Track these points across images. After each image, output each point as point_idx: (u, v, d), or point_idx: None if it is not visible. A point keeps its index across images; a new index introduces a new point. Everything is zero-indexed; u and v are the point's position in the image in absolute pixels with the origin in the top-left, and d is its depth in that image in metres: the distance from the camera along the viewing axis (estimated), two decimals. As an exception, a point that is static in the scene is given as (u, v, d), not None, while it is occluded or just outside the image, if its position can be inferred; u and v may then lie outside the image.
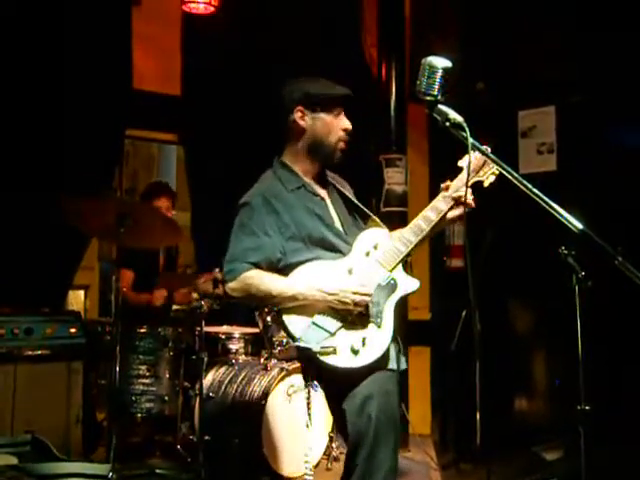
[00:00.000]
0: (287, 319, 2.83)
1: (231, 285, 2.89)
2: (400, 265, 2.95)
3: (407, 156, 5.64)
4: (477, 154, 2.99)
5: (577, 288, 2.39)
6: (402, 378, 5.26)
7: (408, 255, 2.96)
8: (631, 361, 4.52)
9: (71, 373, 4.42)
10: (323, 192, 3.08)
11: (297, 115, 2.99)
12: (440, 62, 2.45)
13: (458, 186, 2.98)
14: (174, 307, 5.32)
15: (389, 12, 5.79)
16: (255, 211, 2.93)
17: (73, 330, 4.50)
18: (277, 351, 4.61)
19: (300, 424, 4.35)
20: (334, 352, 2.73)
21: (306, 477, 3.03)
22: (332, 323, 2.80)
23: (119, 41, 5.55)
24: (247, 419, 4.29)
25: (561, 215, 2.11)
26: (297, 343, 2.77)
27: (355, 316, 2.81)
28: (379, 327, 2.82)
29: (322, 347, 2.73)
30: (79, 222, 4.32)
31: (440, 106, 2.44)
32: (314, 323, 2.79)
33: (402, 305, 5.31)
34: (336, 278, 2.84)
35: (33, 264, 4.90)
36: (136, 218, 4.14)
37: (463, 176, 2.98)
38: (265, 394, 4.28)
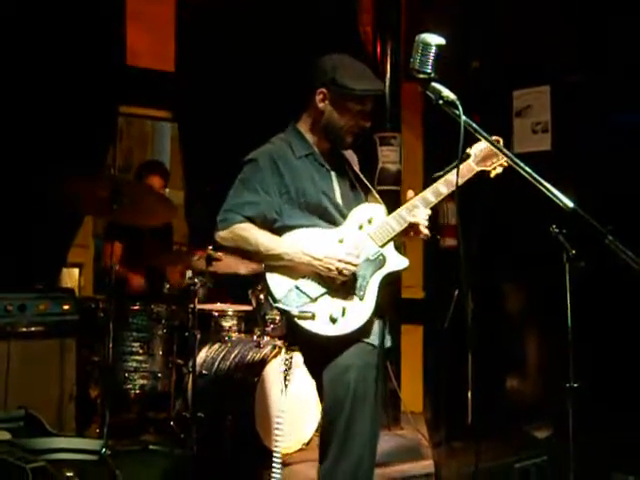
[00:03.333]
0: (270, 278, 2.86)
1: (222, 234, 2.92)
2: (391, 243, 2.97)
3: (401, 135, 5.64)
4: (487, 143, 3.02)
5: (567, 266, 2.40)
6: (394, 356, 5.36)
7: (403, 233, 2.97)
8: (622, 339, 4.56)
9: (64, 350, 4.42)
10: (330, 164, 3.09)
11: (318, 97, 3.00)
12: (434, 39, 2.43)
13: (462, 172, 2.97)
14: (167, 286, 5.34)
15: (385, -10, 5.77)
16: (260, 169, 2.95)
17: (66, 307, 4.49)
18: (270, 328, 4.64)
19: (293, 401, 4.37)
20: (312, 318, 2.76)
21: (275, 439, 3.03)
22: (315, 289, 2.83)
23: (112, 17, 5.50)
24: (240, 396, 4.31)
25: (552, 193, 2.11)
26: (277, 304, 2.81)
27: (339, 285, 2.84)
28: (361, 300, 2.84)
29: (301, 311, 2.76)
30: (72, 200, 4.33)
31: (433, 84, 2.43)
32: (297, 287, 2.83)
33: (395, 284, 5.36)
34: (325, 245, 2.86)
35: (26, 242, 4.89)
36: (130, 196, 4.15)
37: (469, 164, 3.00)
38: (258, 371, 4.30)
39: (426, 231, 2.97)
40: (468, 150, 3.03)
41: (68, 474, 2.80)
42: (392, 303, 4.24)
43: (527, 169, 2.20)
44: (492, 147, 2.34)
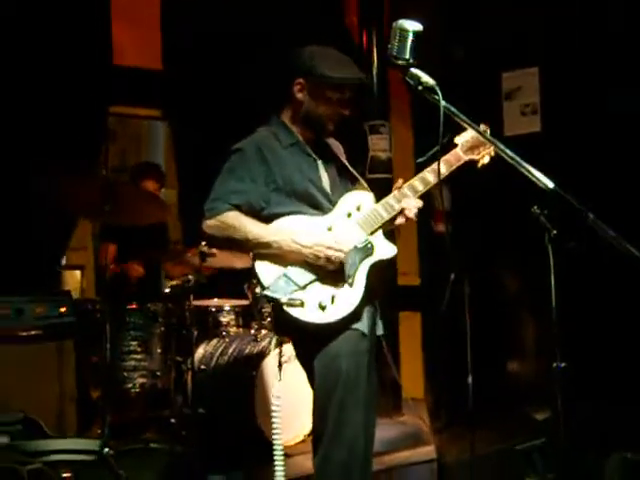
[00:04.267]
0: (259, 266, 2.85)
1: (209, 222, 2.91)
2: (380, 230, 2.97)
3: (391, 123, 5.63)
4: (474, 132, 3.02)
5: (550, 247, 2.39)
6: (392, 343, 5.36)
7: (391, 221, 2.97)
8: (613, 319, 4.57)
9: (63, 352, 4.41)
10: (316, 153, 3.09)
11: (296, 87, 3.00)
12: (411, 25, 2.43)
13: (450, 161, 2.99)
14: (171, 283, 5.35)
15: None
16: (246, 158, 2.95)
17: (63, 309, 4.47)
18: (267, 322, 4.64)
19: (292, 393, 4.38)
20: (301, 305, 2.76)
21: (274, 430, 3.02)
22: (303, 276, 2.82)
23: (99, 16, 5.49)
24: (239, 390, 4.33)
25: (533, 175, 2.11)
26: (265, 292, 2.80)
27: (327, 272, 2.83)
28: (350, 287, 2.84)
29: (289, 299, 2.75)
30: (65, 202, 4.32)
31: (412, 69, 2.43)
32: (285, 275, 2.82)
33: (390, 271, 5.35)
34: (314, 233, 2.86)
35: (21, 245, 4.89)
36: (121, 196, 4.14)
37: (457, 152, 3.00)
38: (256, 365, 4.30)
39: (414, 217, 2.95)
40: (456, 139, 3.02)
41: (65, 475, 2.81)
42: (385, 290, 4.22)
43: (508, 152, 2.20)
44: (473, 130, 2.34)
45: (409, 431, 4.89)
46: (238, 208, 2.89)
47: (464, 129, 2.96)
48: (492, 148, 3.02)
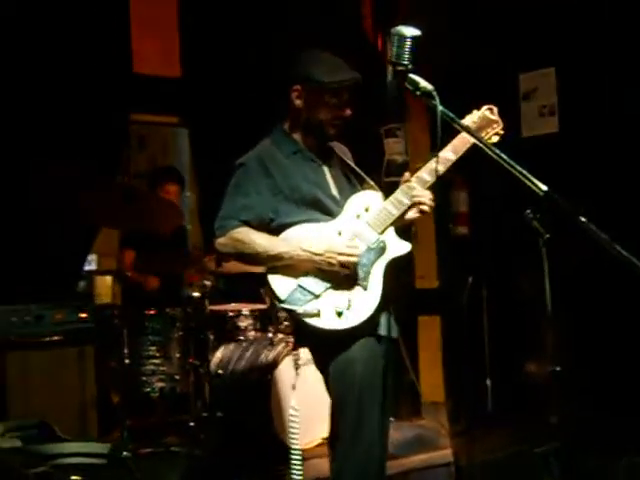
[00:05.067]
0: (272, 279, 2.87)
1: (220, 240, 2.95)
2: (392, 228, 2.94)
3: (406, 125, 5.62)
4: (481, 112, 3.05)
5: (544, 251, 2.39)
6: (412, 347, 5.36)
7: (402, 217, 2.93)
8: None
9: (83, 357, 4.50)
10: (320, 159, 3.10)
11: (294, 95, 3.01)
12: (409, 31, 2.47)
13: (457, 146, 2.97)
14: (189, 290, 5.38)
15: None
16: (250, 172, 2.98)
17: (83, 315, 4.55)
18: (284, 326, 4.65)
19: (309, 396, 4.39)
20: (318, 315, 2.75)
21: (291, 437, 3.00)
22: (318, 285, 2.82)
23: (118, 25, 5.55)
24: (254, 395, 4.35)
25: (526, 177, 2.11)
26: (282, 305, 2.82)
27: (342, 278, 2.81)
28: (365, 289, 2.82)
29: (306, 310, 2.76)
30: (84, 208, 4.37)
31: (411, 75, 2.46)
32: (300, 285, 2.82)
33: (409, 275, 5.34)
34: (323, 239, 2.85)
35: (41, 251, 4.96)
36: (139, 202, 4.19)
37: (463, 136, 2.94)
38: (271, 369, 4.32)
39: (427, 209, 2.90)
40: (462, 121, 2.99)
41: (74, 478, 2.85)
42: (403, 293, 4.21)
43: (503, 156, 2.21)
44: (468, 136, 2.35)
45: (427, 434, 4.87)
46: (247, 224, 2.92)
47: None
48: (500, 127, 3.02)
